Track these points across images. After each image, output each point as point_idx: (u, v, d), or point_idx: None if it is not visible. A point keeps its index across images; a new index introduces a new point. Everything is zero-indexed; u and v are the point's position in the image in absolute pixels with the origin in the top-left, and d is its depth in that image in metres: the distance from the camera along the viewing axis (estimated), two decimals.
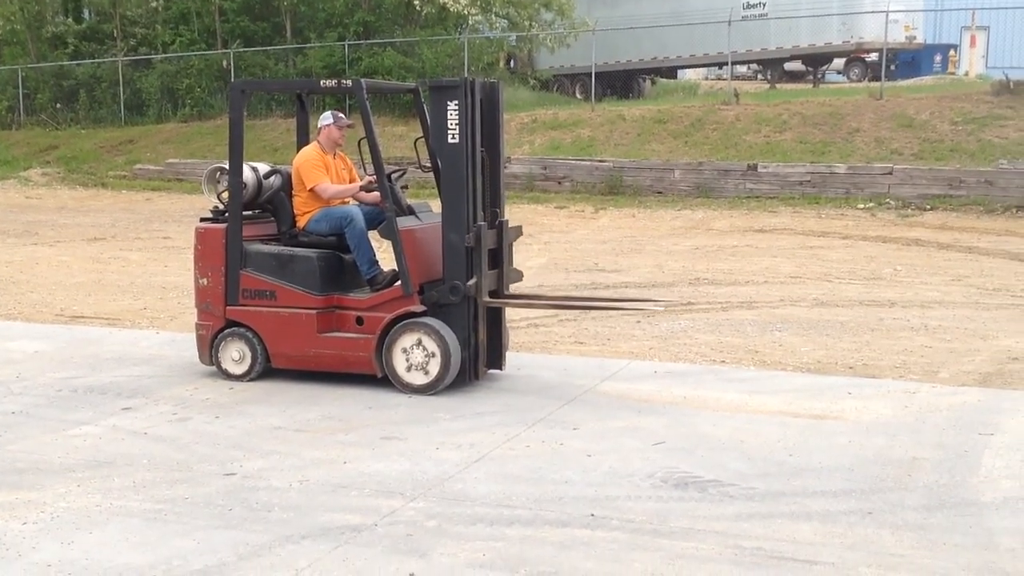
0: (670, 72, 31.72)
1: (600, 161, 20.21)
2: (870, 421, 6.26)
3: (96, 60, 29.38)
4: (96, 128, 28.19)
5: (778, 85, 29.02)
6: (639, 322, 9.40)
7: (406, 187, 7.65)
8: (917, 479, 5.27)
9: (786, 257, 13.29)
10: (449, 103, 6.78)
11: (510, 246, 7.30)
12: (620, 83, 29.52)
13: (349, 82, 7.23)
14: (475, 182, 6.91)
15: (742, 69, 32.88)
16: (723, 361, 7.94)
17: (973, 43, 31.02)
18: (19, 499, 5.02)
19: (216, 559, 4.33)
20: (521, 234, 7.53)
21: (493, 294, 7.12)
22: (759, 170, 18.81)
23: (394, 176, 7.34)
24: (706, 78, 34.92)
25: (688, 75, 34.52)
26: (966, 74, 29.84)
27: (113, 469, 5.47)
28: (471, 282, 6.84)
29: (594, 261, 13.18)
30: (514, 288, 7.44)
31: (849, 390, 6.95)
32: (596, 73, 24.95)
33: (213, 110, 27.10)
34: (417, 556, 4.36)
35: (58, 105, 29.42)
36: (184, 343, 8.32)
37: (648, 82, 31.63)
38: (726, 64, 26.40)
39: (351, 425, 6.25)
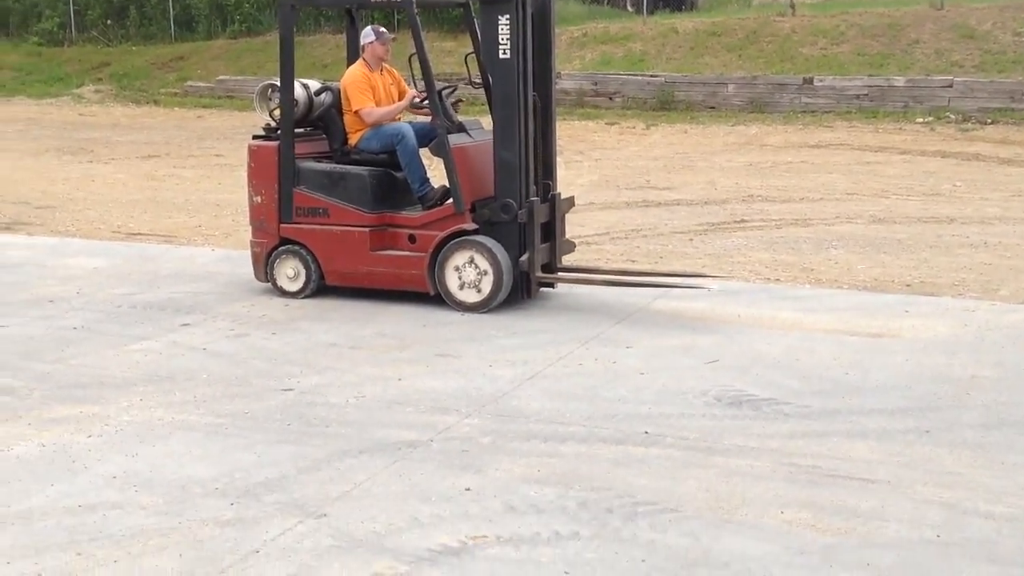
0: None
1: (652, 76, 19.91)
2: (928, 339, 6.20)
3: None
4: (147, 45, 28.20)
5: None
6: (692, 240, 9.34)
7: (460, 101, 7.59)
8: (975, 398, 5.23)
9: (842, 173, 13.08)
10: (500, 18, 6.68)
11: (562, 218, 7.28)
12: None
13: None
14: (527, 100, 6.84)
15: None
16: (777, 279, 7.88)
17: None
18: (83, 413, 5.14)
19: (277, 472, 4.41)
20: (574, 205, 7.56)
21: (546, 268, 7.13)
22: (815, 84, 18.43)
23: (445, 93, 7.28)
24: None
25: None
26: None
27: (174, 384, 5.57)
28: (524, 258, 6.84)
29: (645, 178, 13.06)
30: (566, 260, 7.45)
31: (906, 308, 6.88)
32: None
33: (262, 26, 26.97)
34: (472, 471, 4.41)
35: (108, 21, 29.44)
36: (239, 260, 8.40)
37: None
38: None
39: (405, 342, 6.30)
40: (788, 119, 17.91)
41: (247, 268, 7.66)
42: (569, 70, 20.55)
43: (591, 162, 14.46)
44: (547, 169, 7.19)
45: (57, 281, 7.91)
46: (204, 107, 22.94)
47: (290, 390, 5.47)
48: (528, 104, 6.86)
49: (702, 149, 15.81)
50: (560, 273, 7.32)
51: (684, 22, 22.94)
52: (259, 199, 7.38)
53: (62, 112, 23.18)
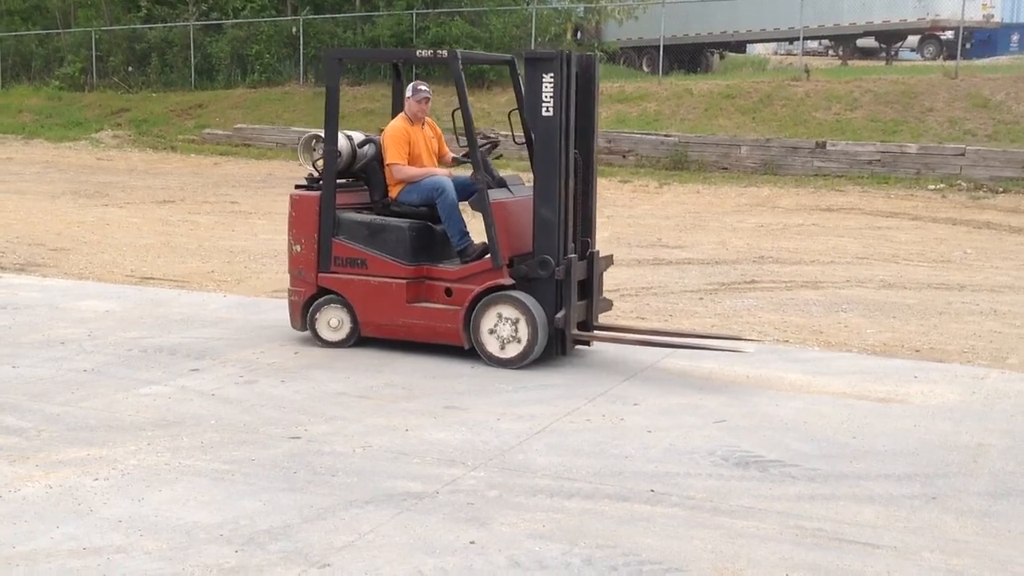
0: (739, 46, 31.34)
1: (666, 135, 20.08)
2: (936, 406, 6.19)
3: (168, 24, 29.71)
4: (167, 92, 28.57)
5: (850, 62, 28.54)
6: (701, 299, 9.36)
7: (500, 156, 7.64)
8: (983, 465, 5.21)
9: (853, 237, 13.12)
10: (545, 75, 6.71)
11: (600, 276, 7.28)
12: (688, 57, 29.22)
13: (445, 53, 7.21)
14: (568, 158, 6.85)
15: (813, 45, 32.38)
16: (787, 341, 7.88)
17: None
18: (91, 455, 5.15)
19: (281, 520, 4.41)
20: (612, 263, 7.54)
21: (582, 325, 7.12)
22: (828, 148, 18.56)
23: (485, 148, 7.33)
24: (776, 53, 34.48)
25: (757, 50, 34.10)
26: None
27: (182, 429, 5.58)
28: (559, 315, 6.83)
29: (657, 237, 13.13)
30: (602, 318, 7.42)
31: (915, 374, 6.87)
32: (664, 46, 24.72)
33: (281, 76, 27.34)
34: (478, 525, 4.40)
35: (130, 68, 29.85)
36: (250, 306, 8.44)
37: (717, 56, 31.28)
38: (797, 39, 26.00)
39: (414, 393, 6.31)
40: (800, 182, 18.00)
41: (258, 315, 7.70)
42: None
43: (603, 219, 14.45)
44: (586, 226, 7.19)
45: (69, 323, 7.96)
46: (221, 154, 23.18)
47: (297, 438, 5.47)
48: (569, 161, 6.89)
49: (714, 209, 15.88)
50: (596, 331, 7.28)
51: (699, 84, 23.16)
52: (299, 248, 7.41)
53: (80, 156, 23.43)
